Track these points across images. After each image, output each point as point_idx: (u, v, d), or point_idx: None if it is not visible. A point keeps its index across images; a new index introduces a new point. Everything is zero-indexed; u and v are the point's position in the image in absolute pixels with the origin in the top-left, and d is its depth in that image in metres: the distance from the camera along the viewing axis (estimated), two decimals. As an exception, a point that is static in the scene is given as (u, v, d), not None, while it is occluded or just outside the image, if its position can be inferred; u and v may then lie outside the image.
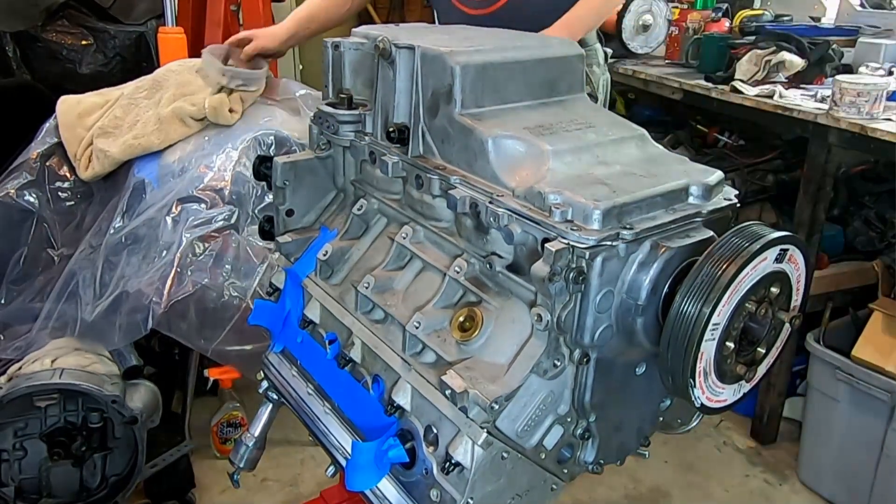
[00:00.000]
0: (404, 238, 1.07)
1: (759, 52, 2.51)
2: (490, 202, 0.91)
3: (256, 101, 2.00)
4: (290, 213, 1.23)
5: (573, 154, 0.96)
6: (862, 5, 2.95)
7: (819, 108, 2.20)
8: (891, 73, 2.35)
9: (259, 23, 2.59)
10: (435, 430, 0.95)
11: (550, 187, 0.87)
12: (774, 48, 2.51)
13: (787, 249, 0.86)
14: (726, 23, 2.95)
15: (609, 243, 0.83)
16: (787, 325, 0.91)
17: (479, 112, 1.01)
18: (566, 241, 0.82)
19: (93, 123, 1.98)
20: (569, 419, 0.94)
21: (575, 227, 0.83)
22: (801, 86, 2.46)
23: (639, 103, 3.52)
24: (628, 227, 0.84)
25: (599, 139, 1.00)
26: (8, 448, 1.75)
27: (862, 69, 2.41)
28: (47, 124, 2.05)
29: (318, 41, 1.38)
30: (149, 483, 2.00)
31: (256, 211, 1.87)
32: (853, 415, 2.18)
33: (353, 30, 1.22)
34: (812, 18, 3.06)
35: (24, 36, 2.79)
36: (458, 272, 0.98)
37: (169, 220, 1.77)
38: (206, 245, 1.75)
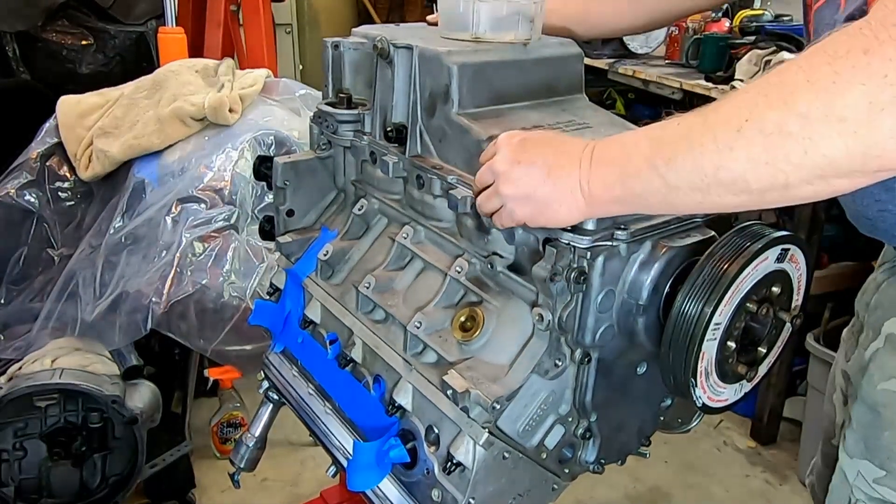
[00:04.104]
0: (405, 238, 1.07)
1: (759, 52, 2.51)
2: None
3: (256, 101, 2.00)
4: (290, 213, 1.23)
5: (570, 154, 0.95)
6: (862, 5, 2.94)
7: (819, 108, 2.19)
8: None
9: (259, 23, 2.59)
10: (436, 430, 0.95)
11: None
12: (774, 48, 2.50)
13: (788, 249, 0.86)
14: (726, 23, 2.94)
15: (604, 244, 0.83)
16: (788, 324, 0.91)
17: (476, 112, 1.01)
18: (565, 242, 0.83)
19: (93, 123, 1.98)
20: (570, 419, 0.94)
21: (569, 228, 0.83)
22: (801, 85, 2.45)
23: (639, 103, 3.51)
24: (622, 227, 0.84)
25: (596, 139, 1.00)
26: (8, 448, 1.75)
27: (862, 69, 2.41)
28: (47, 124, 2.05)
29: (317, 41, 1.38)
30: (149, 483, 2.00)
31: (256, 211, 1.87)
32: (853, 414, 2.18)
33: (353, 30, 1.22)
34: (812, 18, 3.06)
35: (24, 36, 2.79)
36: (459, 272, 0.97)
37: (169, 220, 1.77)
38: (206, 245, 1.75)
